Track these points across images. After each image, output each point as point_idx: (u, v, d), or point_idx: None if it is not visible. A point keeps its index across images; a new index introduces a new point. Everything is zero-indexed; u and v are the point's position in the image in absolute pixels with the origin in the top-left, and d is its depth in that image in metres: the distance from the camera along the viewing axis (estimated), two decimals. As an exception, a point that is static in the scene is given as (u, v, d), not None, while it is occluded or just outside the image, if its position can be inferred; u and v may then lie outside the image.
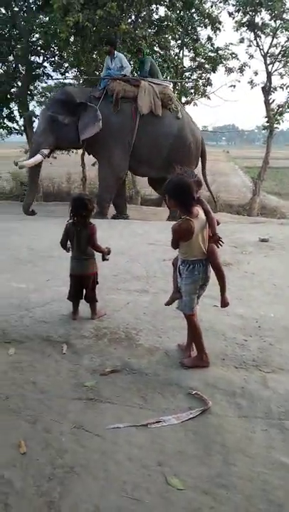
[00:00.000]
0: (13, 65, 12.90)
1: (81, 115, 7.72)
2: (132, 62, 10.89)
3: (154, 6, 11.19)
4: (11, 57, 12.65)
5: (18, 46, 12.23)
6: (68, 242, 3.35)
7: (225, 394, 2.51)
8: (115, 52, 8.41)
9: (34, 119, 12.21)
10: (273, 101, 13.55)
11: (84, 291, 3.40)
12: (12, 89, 12.24)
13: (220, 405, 2.41)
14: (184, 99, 13.26)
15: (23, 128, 13.12)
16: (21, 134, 13.82)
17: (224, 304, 2.81)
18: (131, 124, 7.94)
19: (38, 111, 13.44)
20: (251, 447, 2.11)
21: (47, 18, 11.42)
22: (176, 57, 12.75)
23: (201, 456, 2.05)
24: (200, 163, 8.93)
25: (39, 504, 1.77)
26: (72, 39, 10.18)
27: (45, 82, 13.85)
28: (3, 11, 12.17)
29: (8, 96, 12.24)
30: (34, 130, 12.94)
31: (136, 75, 9.16)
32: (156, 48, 11.71)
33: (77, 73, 12.09)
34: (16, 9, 12.32)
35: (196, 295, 2.75)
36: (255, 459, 2.03)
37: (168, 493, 1.81)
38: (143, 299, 3.80)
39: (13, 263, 4.75)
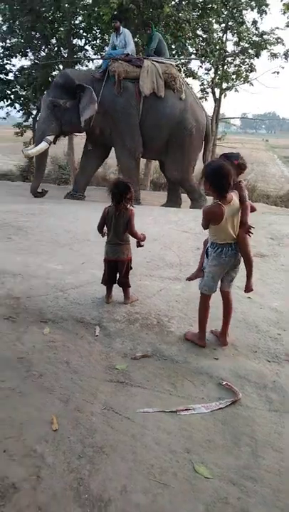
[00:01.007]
0: (55, 48, 12.97)
1: (81, 97, 7.54)
2: (173, 46, 10.71)
3: (199, -13, 10.91)
4: (53, 41, 12.71)
5: (61, 29, 12.26)
6: (104, 227, 3.38)
7: (256, 387, 2.49)
8: (121, 28, 8.15)
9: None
10: None
11: (117, 276, 3.43)
12: (53, 72, 12.31)
13: (250, 398, 2.40)
14: (224, 85, 12.96)
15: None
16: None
17: (248, 288, 2.89)
18: (137, 105, 7.73)
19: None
20: (281, 441, 2.09)
21: (90, 1, 11.37)
22: (219, 41, 12.41)
23: (229, 446, 2.05)
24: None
25: (69, 479, 1.83)
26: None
27: (86, 66, 13.85)
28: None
29: (50, 79, 12.34)
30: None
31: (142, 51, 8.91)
32: (199, 32, 11.43)
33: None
34: (60, -9, 12.33)
35: (219, 278, 2.83)
36: (284, 454, 2.01)
37: (195, 480, 1.83)
38: (175, 286, 3.80)
39: (51, 245, 4.84)
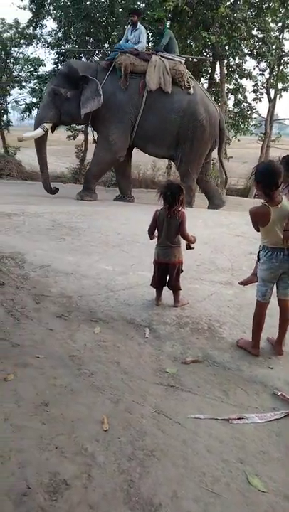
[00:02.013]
0: (109, 52, 13.18)
1: (84, 89, 7.42)
2: (227, 47, 10.54)
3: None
4: (106, 45, 12.93)
5: (114, 33, 12.45)
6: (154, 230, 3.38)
7: (313, 399, 2.37)
8: (138, 24, 8.05)
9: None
10: None
11: (168, 278, 3.41)
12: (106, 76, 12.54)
13: (307, 410, 2.29)
14: (280, 86, 12.59)
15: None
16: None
17: None
18: (137, 102, 7.56)
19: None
20: None
21: (143, 5, 11.48)
22: (276, 41, 12.08)
23: (284, 460, 1.97)
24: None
25: (119, 481, 1.82)
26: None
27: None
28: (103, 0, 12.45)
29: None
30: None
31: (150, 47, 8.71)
32: (254, 32, 11.19)
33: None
34: (114, -3, 12.55)
35: (272, 284, 2.72)
36: None
37: (249, 493, 1.77)
38: (227, 291, 3.72)
39: (102, 246, 4.91)
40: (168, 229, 3.25)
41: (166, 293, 3.48)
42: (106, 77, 7.56)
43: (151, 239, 3.44)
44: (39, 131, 7.71)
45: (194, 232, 3.78)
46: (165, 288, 3.45)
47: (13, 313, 3.24)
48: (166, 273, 3.35)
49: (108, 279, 3.93)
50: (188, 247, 3.43)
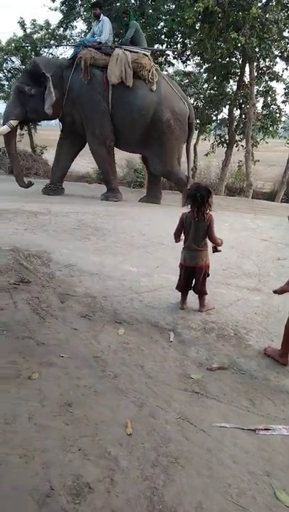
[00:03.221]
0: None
1: (46, 86, 7.52)
2: (257, 49, 10.38)
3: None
4: (135, 46, 12.96)
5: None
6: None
7: None
8: (101, 16, 7.99)
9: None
10: None
11: (193, 282, 3.36)
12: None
13: None
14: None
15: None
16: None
17: None
18: (104, 93, 7.57)
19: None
20: None
21: (173, 6, 11.44)
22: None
23: (313, 475, 1.90)
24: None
25: (143, 487, 1.79)
26: (198, 26, 10.05)
27: (166, 71, 13.96)
28: (133, 1, 12.49)
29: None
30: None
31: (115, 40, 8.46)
32: (285, 33, 10.99)
33: (200, 61, 11.94)
34: (145, -2, 12.58)
35: None
36: None
37: (276, 509, 1.71)
38: (254, 297, 3.64)
39: (126, 246, 4.90)
40: (195, 232, 3.21)
41: (192, 297, 3.43)
42: (72, 73, 7.63)
43: (176, 242, 3.40)
44: (5, 128, 7.89)
45: (220, 235, 3.72)
46: (190, 292, 3.40)
47: (39, 312, 3.26)
48: (193, 276, 3.30)
49: (133, 281, 3.91)
50: (215, 250, 3.38)
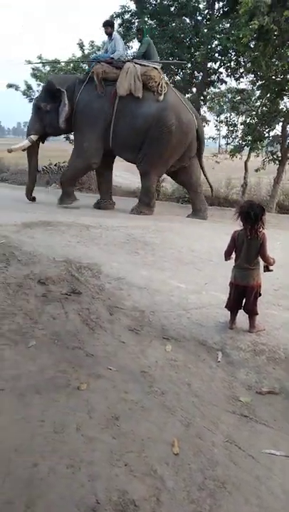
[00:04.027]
0: (190, 72, 13.37)
1: (61, 101, 7.83)
2: None
3: None
4: (189, 65, 13.14)
5: (196, 54, 12.63)
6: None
7: None
8: (113, 34, 8.13)
9: (205, 124, 12.47)
10: None
11: (244, 301, 3.29)
12: (186, 95, 12.71)
13: None
14: None
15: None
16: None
17: None
18: (109, 108, 7.67)
19: (209, 116, 13.76)
20: None
21: (227, 25, 11.50)
22: None
23: None
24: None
25: (189, 510, 1.76)
26: (252, 44, 10.03)
27: (219, 88, 14.00)
28: (188, 21, 12.70)
29: (182, 101, 12.78)
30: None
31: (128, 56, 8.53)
32: None
33: (254, 78, 11.89)
34: (199, 18, 12.76)
35: None
36: None
37: None
38: (307, 320, 3.51)
39: (175, 262, 4.90)
40: (248, 250, 3.15)
41: (241, 317, 3.36)
42: (82, 87, 7.90)
43: (226, 260, 3.35)
44: (25, 143, 8.34)
45: (272, 254, 3.63)
46: (240, 311, 3.33)
47: (89, 323, 3.32)
48: (243, 296, 3.24)
49: (181, 297, 3.90)
50: (267, 270, 3.30)
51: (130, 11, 13.02)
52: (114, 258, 4.79)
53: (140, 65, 7.76)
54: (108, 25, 8.37)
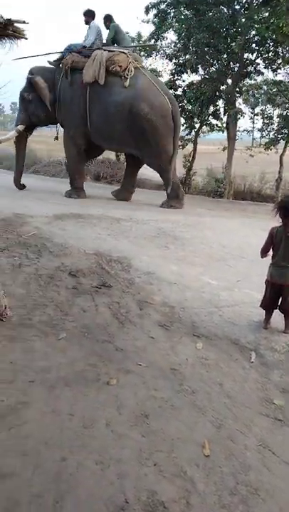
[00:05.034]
0: (226, 63, 13.07)
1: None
2: None
3: None
4: (224, 55, 12.84)
5: (233, 44, 12.31)
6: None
7: None
8: (91, 23, 8.12)
9: (239, 116, 12.18)
10: None
11: (280, 300, 3.17)
12: (222, 87, 12.43)
13: None
14: None
15: (225, 125, 13.26)
16: (222, 132, 13.99)
17: None
18: (81, 95, 7.76)
19: (244, 108, 13.44)
20: None
21: (266, 14, 11.13)
22: None
23: None
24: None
25: (220, 516, 1.70)
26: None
27: (255, 80, 13.63)
28: (225, 10, 12.38)
29: (217, 93, 12.50)
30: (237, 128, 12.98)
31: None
32: None
33: (293, 69, 11.51)
34: (237, 7, 12.41)
35: None
36: None
37: None
38: None
39: (206, 258, 4.81)
40: (286, 248, 3.02)
41: (277, 316, 3.25)
42: (60, 78, 8.05)
43: (262, 257, 3.23)
44: (13, 133, 8.59)
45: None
46: (275, 311, 3.22)
47: (118, 317, 3.29)
48: (279, 295, 3.11)
49: (212, 294, 3.81)
50: None
51: (166, 1, 12.81)
52: (144, 252, 4.74)
53: (108, 51, 7.81)
54: (86, 14, 8.39)
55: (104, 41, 8.32)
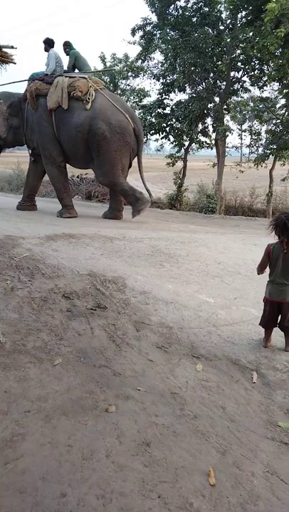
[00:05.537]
0: (213, 81, 13.31)
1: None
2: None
3: None
4: (211, 74, 13.08)
5: (219, 63, 12.57)
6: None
7: None
8: (50, 50, 8.49)
9: (228, 133, 12.33)
10: None
11: (279, 318, 3.12)
12: (209, 105, 12.62)
13: None
14: None
15: (214, 142, 13.42)
16: (211, 148, 14.15)
17: None
18: (48, 118, 8.17)
19: (232, 125, 13.64)
20: None
21: (251, 33, 11.41)
22: None
23: None
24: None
25: None
26: (278, 52, 9.89)
27: (241, 97, 13.88)
28: (210, 31, 12.67)
29: (205, 111, 12.68)
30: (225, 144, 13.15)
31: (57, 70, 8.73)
32: None
33: (279, 86, 11.70)
34: (221, 27, 12.71)
35: None
36: None
37: None
38: None
39: (202, 275, 4.76)
40: (283, 265, 2.99)
41: (275, 334, 3.19)
42: (26, 104, 8.57)
43: (259, 274, 3.19)
44: None
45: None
46: (275, 329, 3.16)
47: (115, 339, 3.22)
48: (279, 313, 3.07)
49: (209, 312, 3.75)
50: None
51: (152, 23, 13.09)
52: (139, 271, 4.69)
53: (70, 77, 8.23)
54: (46, 42, 8.72)
55: (66, 68, 8.77)
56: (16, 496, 1.79)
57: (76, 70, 8.75)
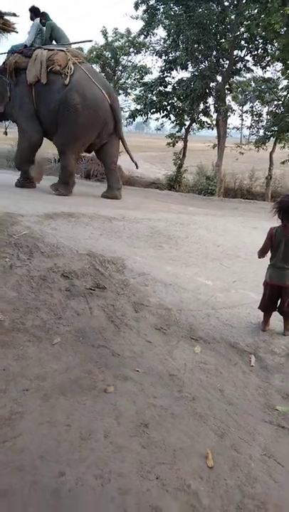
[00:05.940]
0: (215, 60, 13.02)
1: None
2: None
3: None
4: (214, 52, 12.79)
5: (223, 41, 12.27)
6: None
7: None
8: (34, 21, 8.15)
9: (230, 113, 12.14)
10: None
11: (279, 302, 3.11)
12: (212, 84, 12.38)
13: None
14: None
15: (215, 122, 13.23)
16: (212, 129, 13.96)
17: None
18: (28, 93, 7.88)
19: (233, 105, 13.43)
20: None
21: (256, 11, 11.11)
22: None
23: None
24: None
25: (227, 532, 1.63)
26: (283, 31, 9.67)
27: (244, 77, 13.64)
28: (215, 7, 12.31)
29: (207, 90, 12.44)
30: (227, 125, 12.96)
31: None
32: None
33: (282, 66, 11.49)
34: (226, 3, 12.36)
35: None
36: None
37: None
38: None
39: (201, 258, 4.74)
40: (285, 249, 2.96)
41: (274, 318, 3.19)
42: (7, 78, 8.16)
43: (260, 257, 3.16)
44: None
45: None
46: (274, 313, 3.16)
47: (114, 320, 3.20)
48: (278, 297, 3.06)
49: (208, 295, 3.74)
50: None
51: (155, -3, 12.73)
52: (138, 252, 4.65)
53: (48, 50, 7.86)
54: (31, 10, 8.31)
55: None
56: (15, 474, 1.79)
57: (54, 42, 8.39)
